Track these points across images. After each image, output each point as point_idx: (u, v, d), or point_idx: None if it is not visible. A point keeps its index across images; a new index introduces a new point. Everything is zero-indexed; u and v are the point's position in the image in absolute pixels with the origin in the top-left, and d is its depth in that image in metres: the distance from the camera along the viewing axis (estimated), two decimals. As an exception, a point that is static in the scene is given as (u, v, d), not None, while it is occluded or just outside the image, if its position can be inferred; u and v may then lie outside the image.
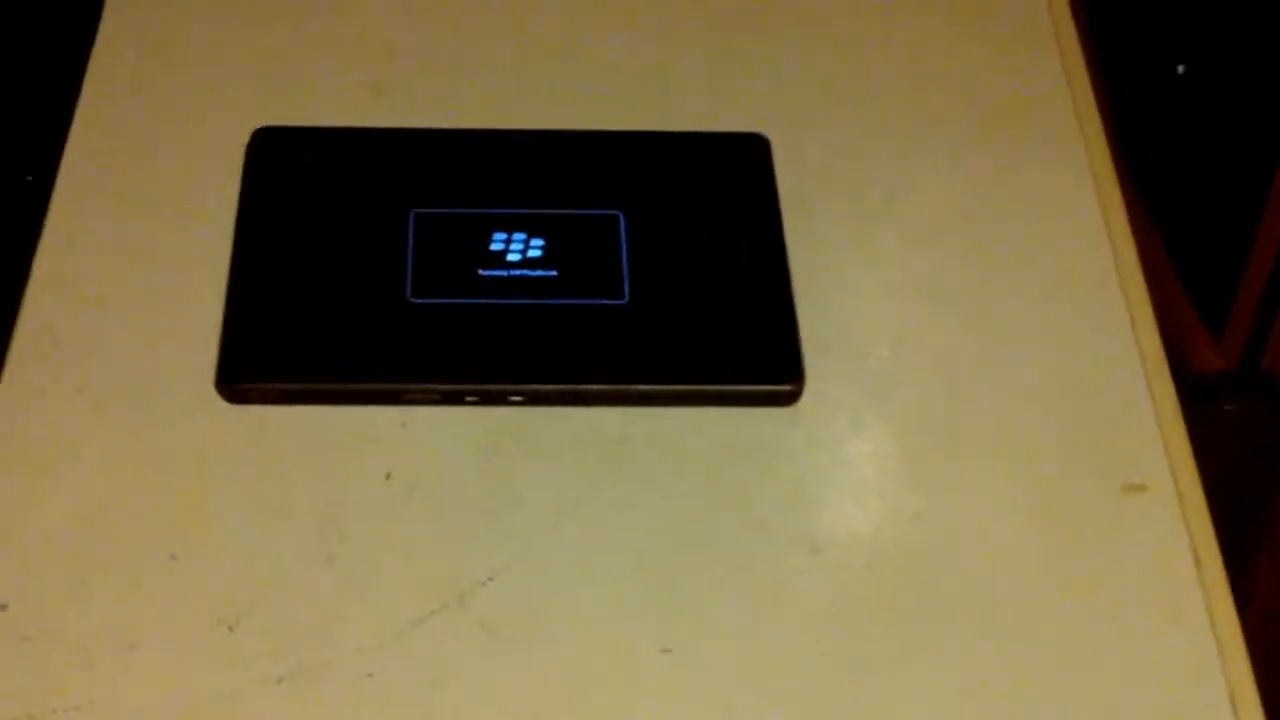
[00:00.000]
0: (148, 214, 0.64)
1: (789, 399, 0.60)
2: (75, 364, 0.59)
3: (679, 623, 0.54)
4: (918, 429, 0.60)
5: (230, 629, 0.52)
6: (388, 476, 0.57)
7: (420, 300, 0.60)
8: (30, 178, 0.64)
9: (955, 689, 0.53)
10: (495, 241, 0.62)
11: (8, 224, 0.63)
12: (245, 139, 0.65)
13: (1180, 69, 0.84)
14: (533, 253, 0.62)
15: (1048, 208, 0.66)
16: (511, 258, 0.62)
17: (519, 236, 0.62)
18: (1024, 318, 0.63)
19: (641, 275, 0.62)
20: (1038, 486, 0.58)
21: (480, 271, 0.61)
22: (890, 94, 0.70)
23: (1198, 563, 0.56)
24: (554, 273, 0.61)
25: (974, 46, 0.71)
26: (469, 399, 0.59)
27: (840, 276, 0.64)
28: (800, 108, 0.69)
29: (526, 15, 0.71)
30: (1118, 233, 0.65)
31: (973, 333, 0.62)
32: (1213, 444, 0.62)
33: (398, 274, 0.61)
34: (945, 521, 0.57)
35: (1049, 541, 0.57)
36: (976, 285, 0.64)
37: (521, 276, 0.61)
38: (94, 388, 0.58)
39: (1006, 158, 0.67)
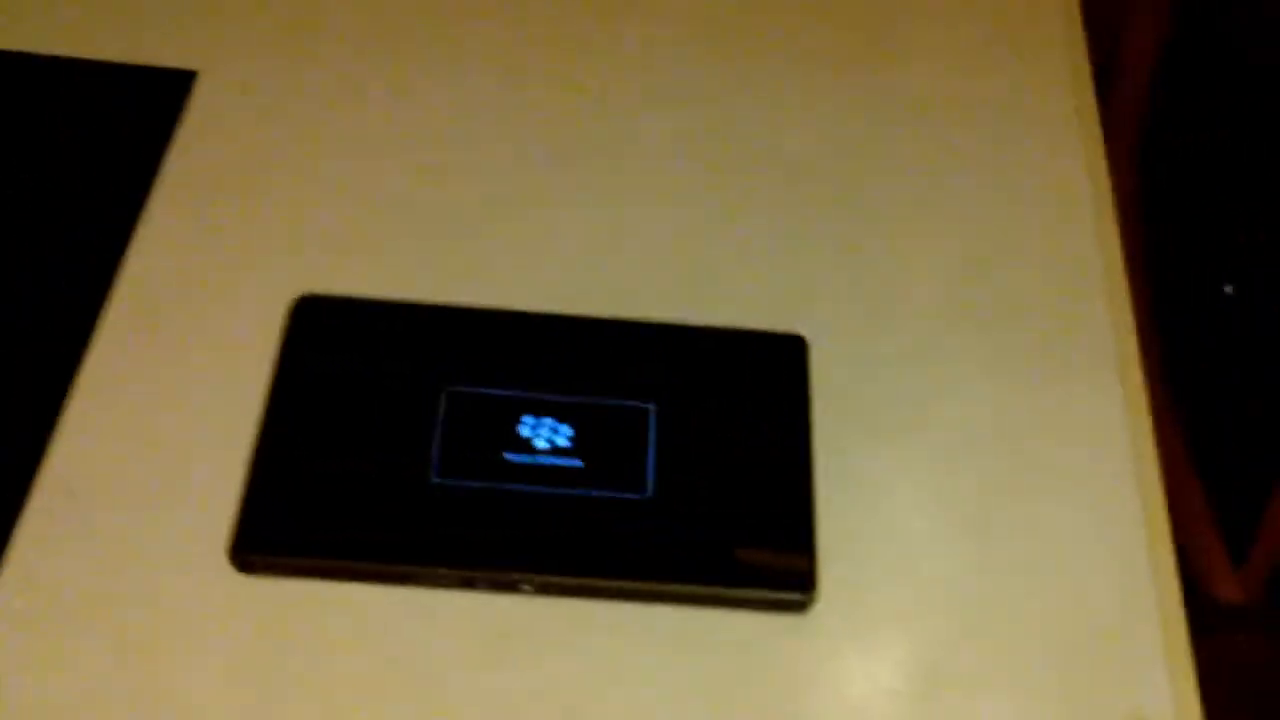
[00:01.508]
0: (185, 376, 0.64)
1: (799, 607, 0.59)
2: (91, 522, 0.59)
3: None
4: (924, 651, 0.59)
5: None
6: (392, 661, 0.57)
7: (443, 481, 0.60)
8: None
9: None
10: (524, 426, 0.62)
11: (44, 369, 0.64)
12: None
13: (1228, 289, 0.84)
14: (560, 441, 0.62)
15: (1077, 429, 0.65)
16: (539, 444, 0.62)
17: (548, 423, 0.62)
18: (1044, 542, 0.62)
19: (666, 471, 0.61)
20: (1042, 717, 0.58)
21: (506, 456, 0.61)
22: (932, 301, 0.70)
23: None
24: (578, 463, 0.61)
25: (1017, 255, 0.71)
26: (480, 585, 0.59)
27: (865, 487, 0.63)
28: (841, 309, 0.69)
29: (577, 201, 0.72)
30: (1146, 463, 0.64)
31: (990, 553, 0.61)
32: (1221, 678, 0.61)
33: (424, 453, 0.61)
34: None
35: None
36: (999, 505, 0.63)
37: (547, 464, 0.61)
38: (106, 550, 0.59)
39: (1042, 374, 0.67)
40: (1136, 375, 0.68)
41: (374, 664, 0.56)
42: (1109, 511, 0.63)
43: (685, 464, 0.62)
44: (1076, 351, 0.68)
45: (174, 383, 0.64)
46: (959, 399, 0.66)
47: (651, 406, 0.63)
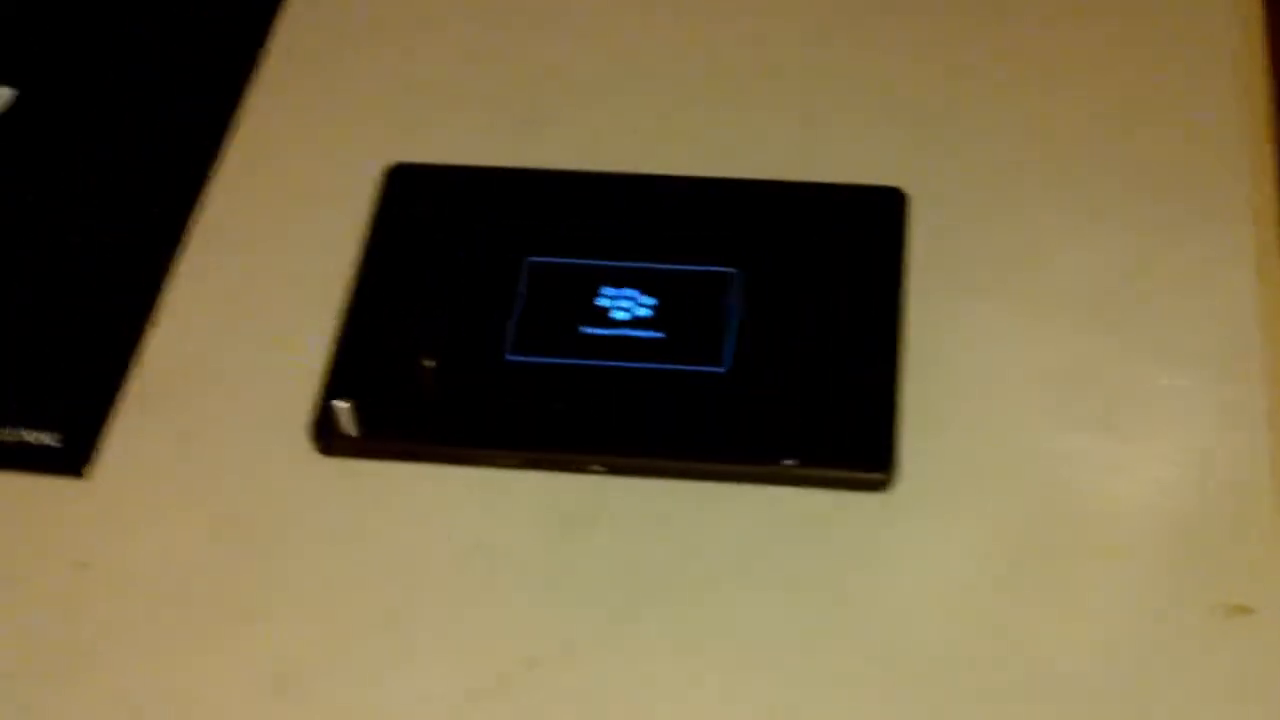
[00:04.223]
0: (281, 247, 0.65)
1: (877, 486, 0.57)
2: (186, 403, 0.61)
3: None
4: (1014, 529, 0.56)
5: (281, 692, 0.54)
6: (458, 540, 0.57)
7: (517, 358, 0.60)
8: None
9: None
10: (601, 298, 0.61)
11: (152, 235, 0.66)
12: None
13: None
14: (640, 312, 0.61)
15: (1196, 286, 0.61)
16: (616, 315, 0.61)
17: (627, 294, 0.61)
18: (1151, 411, 0.58)
19: (746, 342, 0.60)
20: (1135, 601, 0.55)
21: (582, 329, 0.60)
22: (1048, 153, 0.66)
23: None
24: (657, 334, 0.60)
25: (1147, 110, 0.66)
26: (547, 466, 0.58)
27: (961, 353, 0.60)
28: (947, 161, 0.65)
29: (677, 59, 0.70)
30: (1275, 329, 0.60)
31: (1089, 427, 0.58)
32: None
33: (500, 329, 0.61)
34: (1025, 630, 0.54)
35: (1135, 661, 0.53)
36: (1104, 373, 0.59)
37: (623, 336, 0.60)
38: (196, 431, 0.60)
39: (1162, 228, 0.63)
40: (1270, 236, 0.62)
41: (444, 547, 0.57)
42: (1224, 377, 0.59)
43: (766, 334, 0.60)
44: (1203, 202, 0.63)
45: (270, 260, 0.65)
46: (1069, 256, 0.62)
47: (736, 271, 0.61)
